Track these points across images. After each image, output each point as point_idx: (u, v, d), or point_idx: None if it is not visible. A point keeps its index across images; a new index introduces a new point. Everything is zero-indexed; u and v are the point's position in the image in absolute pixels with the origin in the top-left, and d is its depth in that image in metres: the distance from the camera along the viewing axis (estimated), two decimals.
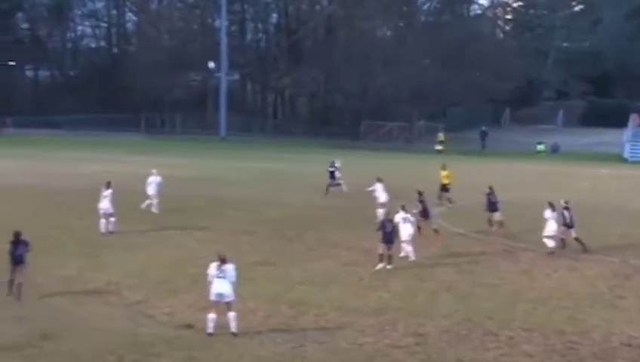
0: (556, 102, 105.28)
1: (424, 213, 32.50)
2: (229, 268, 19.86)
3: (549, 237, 30.09)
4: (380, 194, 36.59)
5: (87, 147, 73.57)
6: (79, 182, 47.05)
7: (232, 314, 19.56)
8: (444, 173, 41.90)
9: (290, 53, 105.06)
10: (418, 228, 30.89)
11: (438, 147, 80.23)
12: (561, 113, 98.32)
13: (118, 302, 22.51)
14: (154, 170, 38.45)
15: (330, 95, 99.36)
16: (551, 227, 30.14)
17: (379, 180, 37.41)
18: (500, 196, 34.45)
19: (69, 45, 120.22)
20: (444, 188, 41.36)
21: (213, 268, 19.93)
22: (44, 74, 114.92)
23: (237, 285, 20.10)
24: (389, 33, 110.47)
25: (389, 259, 27.03)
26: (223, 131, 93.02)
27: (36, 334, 19.44)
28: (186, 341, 19.28)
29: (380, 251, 27.11)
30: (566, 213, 30.66)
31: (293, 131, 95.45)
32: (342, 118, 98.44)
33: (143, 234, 32.44)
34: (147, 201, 37.54)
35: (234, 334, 19.49)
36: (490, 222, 33.79)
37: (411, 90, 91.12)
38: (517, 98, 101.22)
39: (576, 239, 30.55)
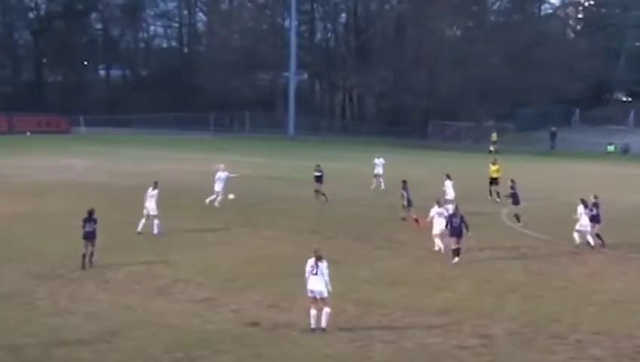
0: (628, 103, 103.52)
1: (408, 203, 34.67)
2: (323, 265, 20.10)
3: (579, 231, 30.78)
4: (449, 190, 38.70)
5: (157, 146, 74.45)
6: (149, 180, 47.50)
7: (325, 310, 19.78)
8: (493, 167, 43.66)
9: (358, 53, 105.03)
10: (402, 218, 34.41)
11: (491, 147, 79.66)
12: (632, 113, 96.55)
13: (186, 299, 22.71)
14: (221, 165, 38.79)
15: (398, 95, 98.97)
16: (584, 222, 30.68)
17: (448, 177, 39.54)
18: (568, 197, 34.02)
19: (141, 45, 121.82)
20: (494, 181, 43.16)
21: (309, 265, 20.19)
22: (116, 73, 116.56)
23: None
24: (458, 33, 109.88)
25: (455, 253, 27.80)
26: (291, 130, 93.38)
27: (106, 330, 19.70)
28: (252, 338, 19.38)
29: (453, 246, 27.82)
30: (594, 209, 31.25)
31: (360, 131, 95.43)
32: (410, 117, 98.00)
33: (211, 232, 32.72)
34: (212, 197, 37.84)
35: (323, 329, 19.68)
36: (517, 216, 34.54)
37: (480, 90, 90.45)
38: (587, 98, 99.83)
39: (597, 235, 30.95)
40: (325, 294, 19.95)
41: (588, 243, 30.68)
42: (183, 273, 25.54)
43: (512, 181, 36.19)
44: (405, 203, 35.02)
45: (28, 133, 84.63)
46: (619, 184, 53.26)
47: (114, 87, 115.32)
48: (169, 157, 63.69)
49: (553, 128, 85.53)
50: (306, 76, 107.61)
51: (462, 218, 27.85)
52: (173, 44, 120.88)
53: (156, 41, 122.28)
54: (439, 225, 28.98)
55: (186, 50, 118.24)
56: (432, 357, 18.30)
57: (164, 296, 23.00)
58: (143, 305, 21.95)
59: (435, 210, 29.36)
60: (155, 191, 32.25)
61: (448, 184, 39.15)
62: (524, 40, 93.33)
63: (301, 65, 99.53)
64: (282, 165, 58.75)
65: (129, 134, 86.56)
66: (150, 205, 31.95)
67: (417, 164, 59.03)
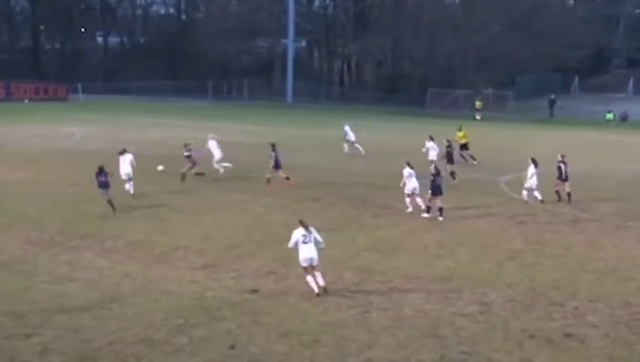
0: (627, 70, 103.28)
1: (276, 165, 35.97)
2: (314, 232, 20.43)
3: (527, 189, 32.51)
4: (431, 151, 40.53)
5: (155, 113, 74.37)
6: (146, 148, 47.59)
7: (318, 274, 20.20)
8: (460, 133, 45.08)
9: (357, 20, 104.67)
10: (268, 180, 35.87)
11: (477, 116, 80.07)
12: (631, 81, 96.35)
13: (186, 266, 22.79)
14: (210, 135, 38.94)
15: (396, 62, 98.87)
16: (533, 181, 32.27)
17: (431, 138, 41.39)
18: (568, 166, 34.07)
19: (139, 12, 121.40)
20: (464, 146, 44.68)
21: (298, 235, 20.35)
22: (113, 41, 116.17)
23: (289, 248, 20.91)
24: (457, 0, 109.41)
25: (441, 211, 29.40)
26: (289, 98, 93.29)
27: (106, 297, 19.79)
28: (251, 305, 19.47)
29: (428, 203, 29.70)
30: (562, 166, 33.22)
31: (359, 98, 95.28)
32: (408, 85, 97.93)
33: (209, 199, 32.77)
34: (223, 165, 37.88)
35: (325, 289, 20.12)
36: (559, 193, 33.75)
37: (479, 58, 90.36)
38: (586, 66, 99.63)
39: (568, 193, 33.12)
40: (317, 261, 20.20)
41: (556, 193, 33.19)
42: (182, 240, 25.61)
43: (448, 141, 39.18)
44: (272, 164, 36.03)
45: (26, 101, 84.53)
46: (618, 152, 53.35)
47: (112, 54, 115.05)
48: (167, 124, 63.66)
49: (552, 96, 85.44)
50: (304, 43, 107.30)
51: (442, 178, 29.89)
52: (171, 10, 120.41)
53: (154, 8, 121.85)
54: (412, 184, 30.39)
55: (183, 17, 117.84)
56: (430, 324, 18.39)
57: (164, 264, 23.08)
58: (142, 273, 22.04)
59: (407, 170, 30.65)
60: (128, 156, 33.15)
61: (431, 145, 40.80)
62: (523, 7, 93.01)
63: (299, 33, 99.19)
64: (281, 133, 58.67)
65: (127, 102, 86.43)
66: (126, 170, 32.77)
67: (415, 132, 58.97)
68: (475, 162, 43.73)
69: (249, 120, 70.54)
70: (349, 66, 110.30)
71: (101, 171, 29.66)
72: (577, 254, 25.24)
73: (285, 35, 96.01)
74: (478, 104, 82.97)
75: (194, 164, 36.97)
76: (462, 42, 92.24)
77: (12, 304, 19.20)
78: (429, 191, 29.58)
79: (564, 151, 35.08)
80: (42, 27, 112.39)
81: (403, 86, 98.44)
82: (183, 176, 36.47)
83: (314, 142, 52.29)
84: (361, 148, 46.88)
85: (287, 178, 35.92)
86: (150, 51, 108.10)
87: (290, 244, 20.56)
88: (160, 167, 37.60)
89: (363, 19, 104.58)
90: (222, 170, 37.88)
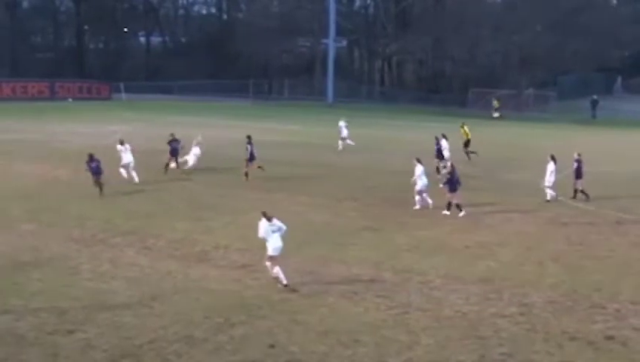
0: None
1: (251, 157, 36.73)
2: (278, 222, 20.78)
3: (548, 187, 33.16)
4: (445, 152, 39.78)
5: (197, 112, 74.63)
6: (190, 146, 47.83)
7: (278, 268, 20.59)
8: (462, 130, 45.41)
9: (398, 20, 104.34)
10: (245, 174, 36.35)
11: (495, 114, 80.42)
12: None
13: (226, 265, 22.86)
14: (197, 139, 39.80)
15: (437, 62, 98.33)
16: (552, 178, 33.01)
17: (444, 137, 40.22)
18: (610, 167, 33.79)
19: (181, 12, 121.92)
20: (466, 144, 44.84)
21: (265, 225, 20.69)
22: (156, 40, 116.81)
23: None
24: None
25: (460, 207, 29.94)
26: (330, 97, 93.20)
27: (147, 295, 19.92)
28: (290, 304, 19.49)
29: (455, 201, 30.10)
30: (576, 164, 33.67)
31: (399, 98, 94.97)
32: (449, 85, 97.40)
33: (250, 198, 32.80)
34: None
35: (286, 285, 20.43)
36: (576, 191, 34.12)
37: (521, 58, 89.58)
38: (630, 66, 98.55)
39: (582, 191, 33.51)
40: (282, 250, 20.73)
41: (574, 191, 33.57)
42: (223, 239, 25.70)
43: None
44: (247, 156, 36.71)
45: (70, 99, 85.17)
46: None
47: (154, 53, 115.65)
48: (208, 123, 63.83)
49: (595, 96, 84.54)
50: (344, 43, 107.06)
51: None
52: (213, 10, 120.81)
53: (195, 8, 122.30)
54: (422, 181, 31.33)
55: (225, 16, 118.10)
56: (470, 325, 18.30)
57: (204, 262, 23.18)
58: (183, 271, 22.14)
59: (419, 168, 31.55)
60: (127, 146, 35.83)
61: (444, 145, 40.13)
62: (566, 6, 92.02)
63: (340, 32, 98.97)
64: (321, 132, 58.60)
65: (169, 101, 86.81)
66: (126, 159, 35.43)
67: (456, 132, 58.64)
68: (469, 159, 43.47)
69: (289, 119, 70.58)
70: (389, 66, 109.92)
71: (92, 159, 32.76)
72: (620, 256, 24.98)
73: (326, 35, 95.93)
74: (495, 102, 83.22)
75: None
76: (503, 41, 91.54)
77: (55, 300, 19.39)
78: (448, 188, 30.20)
79: (608, 152, 34.75)
80: (86, 27, 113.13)
81: (444, 86, 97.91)
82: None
83: (355, 142, 52.13)
84: (352, 143, 47.75)
85: (261, 167, 36.83)
86: (192, 51, 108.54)
87: (260, 234, 20.85)
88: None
89: (404, 18, 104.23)
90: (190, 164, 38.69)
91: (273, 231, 20.59)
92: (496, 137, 43.31)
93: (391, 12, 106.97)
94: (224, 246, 24.89)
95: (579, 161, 33.68)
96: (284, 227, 20.83)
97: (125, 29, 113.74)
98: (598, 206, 32.36)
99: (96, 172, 32.57)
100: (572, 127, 72.17)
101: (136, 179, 35.13)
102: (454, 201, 30.14)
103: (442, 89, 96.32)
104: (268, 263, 20.78)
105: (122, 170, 35.26)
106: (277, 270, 20.54)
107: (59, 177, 37.12)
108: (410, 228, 28.15)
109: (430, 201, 31.26)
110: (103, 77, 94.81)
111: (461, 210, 29.97)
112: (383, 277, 21.79)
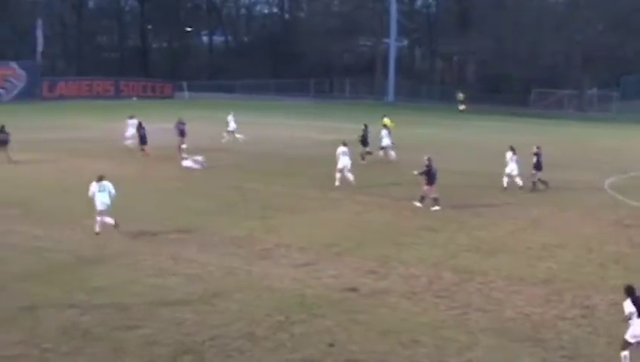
0: None
1: (142, 140, 42.64)
2: (107, 183, 25.31)
3: (508, 175, 34.82)
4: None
5: (258, 111, 75.01)
6: (251, 146, 48.15)
7: (108, 220, 25.11)
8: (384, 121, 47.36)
9: (459, 19, 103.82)
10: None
11: (460, 107, 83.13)
12: None
13: (288, 263, 22.88)
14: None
15: (499, 62, 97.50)
16: (512, 166, 34.75)
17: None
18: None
19: (243, 11, 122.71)
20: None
21: (94, 186, 25.15)
22: (218, 39, 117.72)
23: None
24: None
25: (437, 201, 30.58)
26: (390, 96, 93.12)
27: (208, 291, 20.02)
28: (350, 303, 19.45)
29: (433, 195, 30.62)
30: (535, 157, 34.87)
31: None
32: (511, 85, 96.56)
33: (310, 197, 32.88)
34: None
35: (116, 224, 25.13)
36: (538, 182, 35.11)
37: (583, 57, 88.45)
38: None
39: (540, 179, 35.02)
40: (109, 206, 25.09)
41: (533, 183, 34.80)
42: (285, 237, 25.74)
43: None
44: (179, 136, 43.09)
45: (134, 98, 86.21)
46: None
47: (216, 53, 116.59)
48: (269, 122, 64.16)
49: None
50: (406, 42, 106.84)
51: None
52: (274, 10, 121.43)
53: (257, 7, 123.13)
54: (344, 162, 34.47)
55: (287, 16, 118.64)
56: (532, 327, 18.08)
57: (266, 260, 23.22)
58: (245, 269, 22.21)
59: (341, 149, 34.62)
60: (134, 120, 43.39)
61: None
62: (628, 4, 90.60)
63: (401, 32, 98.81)
64: (379, 131, 58.27)
65: (231, 100, 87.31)
66: (130, 132, 41.22)
67: (518, 132, 58.15)
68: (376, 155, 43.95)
69: (349, 118, 70.47)
70: (450, 65, 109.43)
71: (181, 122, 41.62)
72: None
73: (387, 34, 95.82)
74: (460, 96, 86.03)
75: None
76: (565, 41, 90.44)
77: (118, 296, 19.59)
78: (425, 180, 30.69)
79: None
80: (150, 26, 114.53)
81: (506, 85, 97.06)
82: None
83: (414, 141, 51.94)
84: (240, 137, 49.82)
85: (144, 150, 42.29)
86: (254, 50, 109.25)
87: (90, 194, 25.15)
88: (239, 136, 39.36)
89: (465, 18, 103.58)
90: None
91: (99, 191, 24.96)
92: (559, 137, 42.75)
93: (452, 11, 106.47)
94: (286, 244, 24.93)
95: (538, 154, 34.87)
96: (112, 191, 25.28)
97: (188, 29, 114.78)
98: None
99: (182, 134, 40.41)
100: (635, 127, 71.04)
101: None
102: (432, 195, 30.57)
103: (503, 89, 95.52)
104: (98, 217, 25.04)
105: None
106: (99, 219, 25.02)
107: (122, 174, 37.47)
108: (470, 228, 27.92)
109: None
110: (167, 76, 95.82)
111: (436, 205, 30.52)
112: (443, 278, 21.65)
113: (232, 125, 50.70)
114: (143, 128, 43.21)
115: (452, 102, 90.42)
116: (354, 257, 23.51)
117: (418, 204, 30.62)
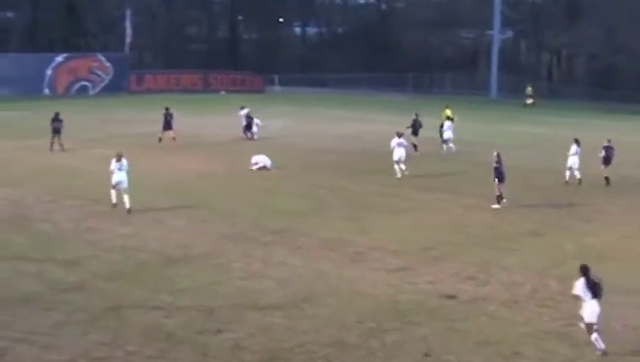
0: None
1: (166, 126, 46.09)
2: (125, 162, 28.62)
3: (569, 168, 36.13)
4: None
5: (353, 106, 75.06)
6: (345, 143, 48.26)
7: (126, 196, 28.27)
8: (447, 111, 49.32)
9: (568, 9, 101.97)
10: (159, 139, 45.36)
11: (527, 101, 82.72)
12: None
13: (381, 268, 22.89)
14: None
15: (611, 55, 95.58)
16: (575, 160, 36.07)
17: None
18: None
19: (338, 1, 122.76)
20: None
21: (114, 164, 28.51)
22: (311, 31, 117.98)
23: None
24: None
25: (499, 199, 31.02)
26: (493, 92, 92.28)
27: (299, 296, 20.16)
28: (447, 311, 19.38)
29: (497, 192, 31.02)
30: (603, 151, 36.17)
31: (569, 94, 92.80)
32: (624, 80, 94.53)
33: (407, 198, 32.81)
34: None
35: (128, 211, 28.08)
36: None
37: None
38: None
39: (606, 177, 35.93)
40: (126, 185, 28.45)
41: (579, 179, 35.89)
42: (378, 240, 25.75)
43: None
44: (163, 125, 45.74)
45: (222, 92, 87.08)
46: None
47: (309, 45, 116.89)
48: (364, 118, 64.15)
49: None
50: (510, 34, 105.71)
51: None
52: (371, 0, 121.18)
53: None
54: (399, 153, 36.29)
55: (383, 6, 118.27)
56: (638, 340, 17.77)
57: (359, 264, 23.27)
58: (336, 272, 22.29)
59: (395, 140, 36.40)
60: (245, 110, 45.76)
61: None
62: None
63: (505, 23, 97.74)
64: (482, 129, 57.91)
65: (324, 94, 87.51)
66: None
67: (631, 132, 57.07)
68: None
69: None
70: (558, 59, 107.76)
71: (56, 118, 41.88)
72: None
73: (490, 26, 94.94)
74: (528, 90, 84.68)
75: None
76: None
77: (204, 297, 19.88)
78: (496, 178, 31.00)
79: None
80: (240, 17, 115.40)
81: (618, 81, 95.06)
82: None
83: (516, 140, 51.36)
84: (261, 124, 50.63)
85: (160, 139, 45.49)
86: (348, 42, 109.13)
87: (111, 169, 28.54)
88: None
89: (574, 7, 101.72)
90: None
91: (118, 169, 28.38)
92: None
93: (560, 1, 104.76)
94: (380, 247, 24.94)
95: (608, 148, 36.02)
96: (126, 165, 28.61)
97: (280, 20, 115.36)
98: None
99: (57, 131, 41.54)
100: None
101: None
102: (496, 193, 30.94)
103: (616, 84, 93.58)
104: (112, 190, 28.59)
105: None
106: (113, 192, 28.57)
107: (211, 172, 37.96)
108: (578, 233, 27.53)
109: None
110: (257, 69, 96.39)
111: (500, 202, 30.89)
112: (547, 286, 21.41)
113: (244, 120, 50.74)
114: (170, 115, 46.13)
115: (562, 98, 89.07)
116: (452, 262, 23.41)
117: (496, 206, 30.66)
